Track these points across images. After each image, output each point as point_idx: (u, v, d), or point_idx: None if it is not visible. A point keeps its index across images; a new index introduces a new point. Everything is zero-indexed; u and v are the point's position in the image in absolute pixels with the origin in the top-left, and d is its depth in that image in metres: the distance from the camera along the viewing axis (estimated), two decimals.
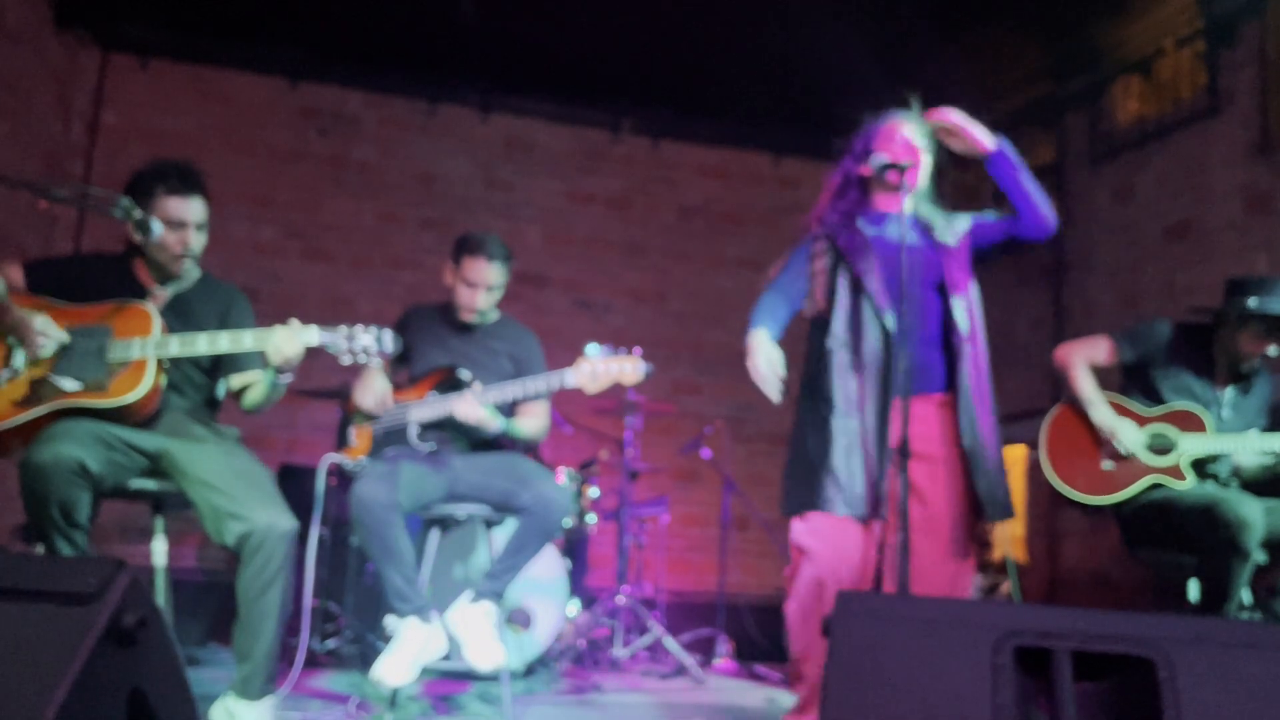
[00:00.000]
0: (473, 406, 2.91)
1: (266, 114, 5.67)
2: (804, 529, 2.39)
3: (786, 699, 2.43)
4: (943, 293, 2.45)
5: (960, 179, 6.47)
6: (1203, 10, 4.64)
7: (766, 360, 2.39)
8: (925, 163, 2.49)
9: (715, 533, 5.38)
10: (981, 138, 2.43)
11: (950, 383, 2.43)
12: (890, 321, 2.37)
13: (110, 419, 2.42)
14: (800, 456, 2.43)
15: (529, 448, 3.29)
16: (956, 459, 2.39)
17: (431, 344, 3.17)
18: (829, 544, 2.35)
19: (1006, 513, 2.40)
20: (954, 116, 2.44)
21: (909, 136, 2.49)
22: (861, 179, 2.57)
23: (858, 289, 2.42)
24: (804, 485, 2.39)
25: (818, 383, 2.43)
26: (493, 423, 2.96)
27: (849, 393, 2.38)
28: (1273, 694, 1.31)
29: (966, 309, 2.45)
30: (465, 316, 3.16)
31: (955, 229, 2.52)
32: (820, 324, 2.48)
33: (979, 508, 2.37)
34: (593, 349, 2.88)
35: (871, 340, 2.39)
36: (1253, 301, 2.98)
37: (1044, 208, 2.45)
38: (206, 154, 5.34)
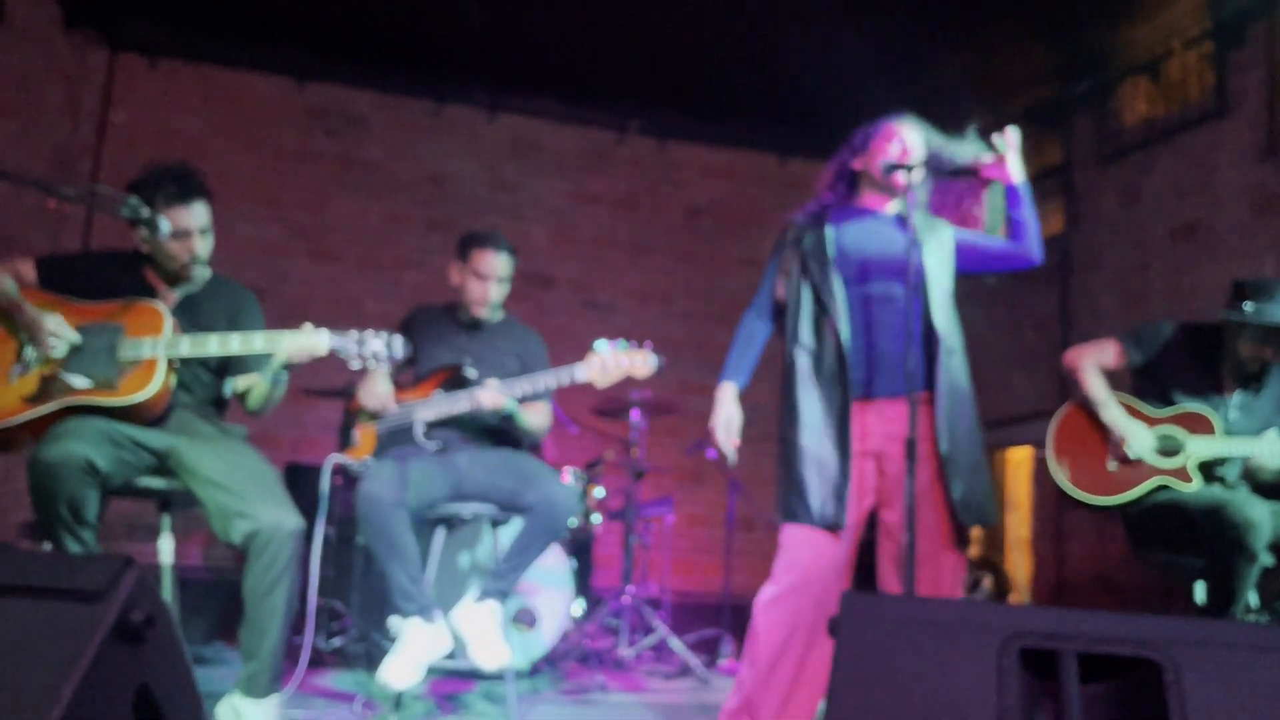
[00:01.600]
0: (495, 395, 2.92)
1: (274, 114, 5.68)
2: (785, 544, 2.40)
3: None
4: (923, 294, 2.44)
5: None
6: (1210, 12, 4.63)
7: (725, 425, 2.47)
8: (917, 178, 2.49)
9: (721, 533, 5.39)
10: (1016, 169, 2.48)
11: (929, 382, 2.42)
12: (845, 334, 2.38)
13: (119, 417, 2.42)
14: (780, 462, 2.45)
15: (532, 446, 3.30)
16: (935, 458, 2.38)
17: (437, 344, 3.18)
18: (802, 560, 2.36)
19: (982, 518, 2.38)
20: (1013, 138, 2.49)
21: (906, 139, 2.51)
22: (852, 173, 2.59)
23: (818, 300, 2.44)
24: (781, 492, 2.42)
25: (786, 390, 2.46)
26: (507, 406, 2.99)
27: (811, 401, 2.40)
28: (1279, 697, 1.30)
29: (946, 311, 2.45)
30: (477, 311, 3.17)
31: (940, 234, 2.53)
32: (789, 322, 2.49)
33: (954, 511, 2.35)
34: (601, 344, 2.89)
35: (832, 351, 2.41)
36: (1248, 307, 2.96)
37: (1039, 240, 2.54)
38: (214, 153, 5.36)
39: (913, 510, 2.18)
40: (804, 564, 2.36)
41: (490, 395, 2.93)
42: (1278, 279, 3.04)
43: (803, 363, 2.43)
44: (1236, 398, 3.08)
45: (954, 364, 2.43)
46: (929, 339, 2.42)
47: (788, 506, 2.39)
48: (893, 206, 2.56)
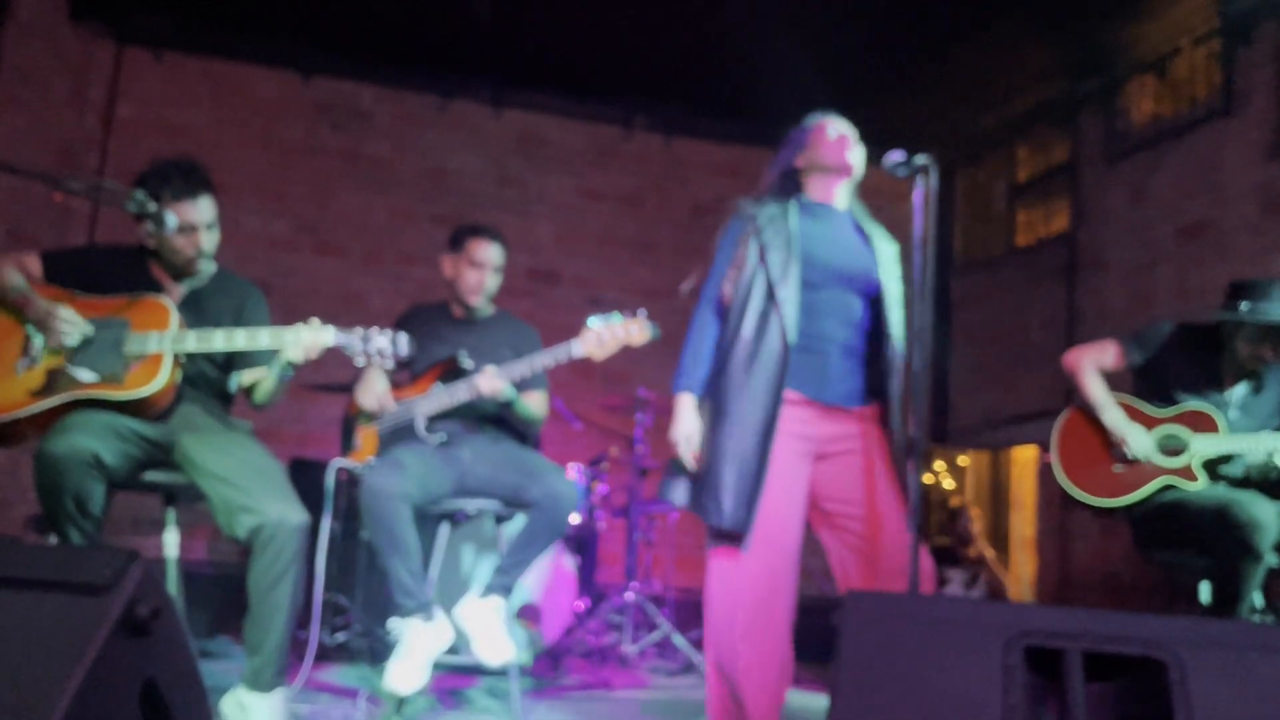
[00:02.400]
0: (493, 379, 2.93)
1: (279, 108, 5.68)
2: (711, 549, 2.37)
3: (795, 697, 2.41)
4: (875, 302, 2.41)
5: (972, 175, 6.45)
6: (1218, 10, 4.61)
7: (687, 440, 2.38)
8: (858, 159, 2.49)
9: None
10: None
11: (868, 396, 2.40)
12: (793, 334, 2.32)
13: (124, 411, 2.43)
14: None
15: (535, 442, 3.30)
16: (885, 467, 2.36)
17: (433, 340, 3.19)
18: (729, 566, 2.33)
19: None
20: None
21: (842, 132, 2.50)
22: (795, 171, 2.55)
23: (771, 295, 2.35)
24: (686, 481, 2.38)
25: (718, 381, 2.38)
26: (506, 392, 3.00)
27: (740, 399, 2.32)
28: None
29: (901, 323, 2.41)
30: (472, 300, 3.19)
31: (888, 242, 2.50)
32: (733, 314, 2.41)
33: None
34: (594, 319, 2.88)
35: (772, 349, 2.32)
36: (1244, 306, 2.95)
37: None
38: (219, 148, 5.36)
39: (916, 511, 2.17)
40: (728, 568, 2.32)
41: (488, 381, 2.93)
42: (1272, 279, 3.03)
43: (739, 357, 2.34)
44: (1237, 396, 3.07)
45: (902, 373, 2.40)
46: (883, 351, 2.40)
47: (697, 501, 2.33)
48: (841, 199, 2.52)
